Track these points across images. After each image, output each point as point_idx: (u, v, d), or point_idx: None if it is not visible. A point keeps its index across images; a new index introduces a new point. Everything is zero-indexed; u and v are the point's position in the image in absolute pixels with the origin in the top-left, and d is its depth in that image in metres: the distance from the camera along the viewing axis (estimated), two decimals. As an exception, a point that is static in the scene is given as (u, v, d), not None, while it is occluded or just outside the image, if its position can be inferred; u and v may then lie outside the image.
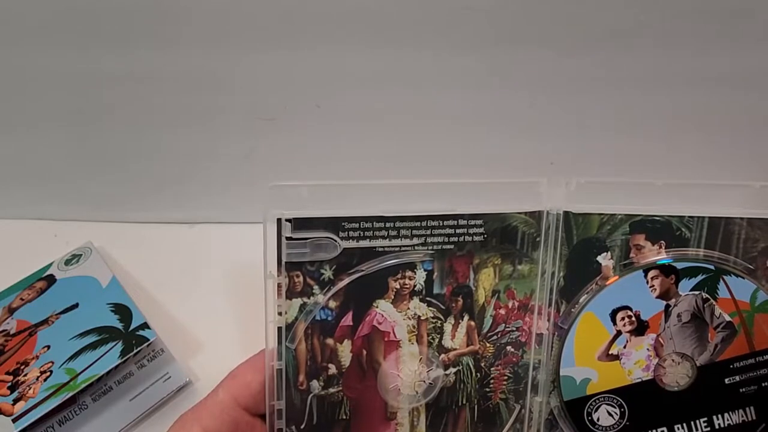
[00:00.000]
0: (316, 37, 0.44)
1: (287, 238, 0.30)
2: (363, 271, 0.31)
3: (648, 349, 0.33)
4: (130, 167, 0.54)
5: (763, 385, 0.33)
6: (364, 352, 0.32)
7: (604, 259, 0.33)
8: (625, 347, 0.33)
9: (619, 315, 0.33)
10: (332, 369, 0.32)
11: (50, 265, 0.52)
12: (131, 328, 0.45)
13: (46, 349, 0.44)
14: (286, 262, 0.30)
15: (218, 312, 0.50)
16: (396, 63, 0.45)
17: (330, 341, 0.32)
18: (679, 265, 0.33)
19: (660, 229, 0.33)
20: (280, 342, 0.31)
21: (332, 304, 0.32)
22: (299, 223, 0.30)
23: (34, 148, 0.53)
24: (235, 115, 0.49)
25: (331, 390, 0.32)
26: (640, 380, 0.34)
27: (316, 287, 0.31)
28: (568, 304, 0.33)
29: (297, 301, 0.31)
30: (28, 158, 0.54)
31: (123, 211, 0.57)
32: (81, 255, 0.52)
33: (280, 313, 0.31)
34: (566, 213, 0.32)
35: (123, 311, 0.46)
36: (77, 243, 0.54)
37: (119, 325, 0.45)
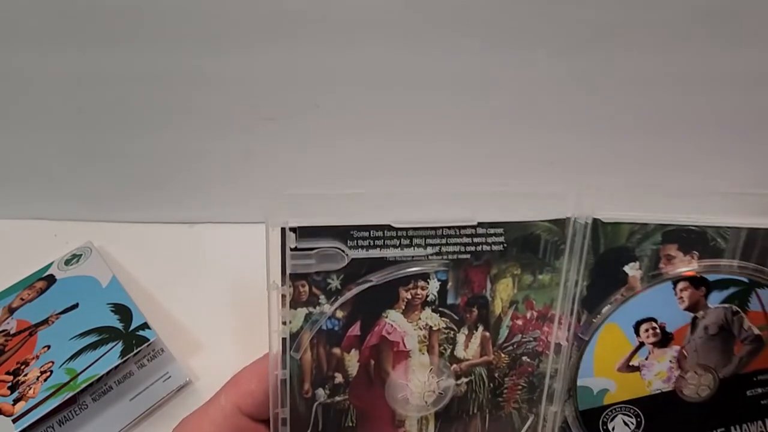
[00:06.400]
0: (316, 37, 0.44)
1: (292, 249, 0.28)
2: (372, 281, 0.30)
3: (671, 361, 0.33)
4: (130, 167, 0.54)
5: None
6: (372, 362, 0.31)
7: (632, 270, 0.32)
8: (646, 359, 0.32)
9: (643, 327, 0.32)
10: (339, 378, 0.31)
11: (50, 265, 0.52)
12: (131, 328, 0.45)
13: (46, 349, 0.44)
14: (290, 273, 0.29)
15: (218, 312, 0.50)
16: (396, 63, 0.45)
17: (337, 351, 0.31)
18: (711, 277, 0.31)
19: (694, 240, 0.31)
20: (284, 351, 0.30)
21: (339, 313, 0.30)
22: (305, 232, 0.28)
23: (34, 148, 0.53)
24: (234, 114, 0.49)
25: (338, 398, 0.31)
26: (659, 391, 0.33)
27: (322, 297, 0.30)
28: (590, 314, 0.32)
29: (302, 311, 0.30)
30: (28, 158, 0.54)
31: (123, 211, 0.57)
32: (81, 255, 0.52)
33: (284, 323, 0.30)
34: (595, 221, 0.31)
35: (123, 311, 0.46)
36: (77, 243, 0.54)
37: (119, 325, 0.45)
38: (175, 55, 0.46)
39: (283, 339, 0.30)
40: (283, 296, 0.29)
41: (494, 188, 0.29)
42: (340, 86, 0.47)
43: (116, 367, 0.43)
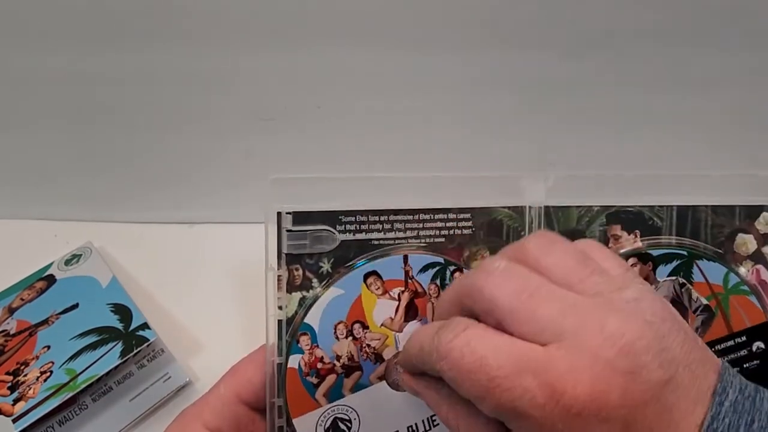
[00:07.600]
0: (316, 38, 0.44)
1: (288, 231, 0.31)
2: (360, 263, 0.32)
3: None
4: (130, 167, 0.54)
5: (744, 366, 0.34)
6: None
7: None
8: None
9: None
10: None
11: (50, 265, 0.52)
12: (131, 328, 0.45)
13: (46, 349, 0.44)
14: (286, 254, 0.31)
15: (218, 312, 0.50)
16: (396, 64, 0.45)
17: None
18: (655, 252, 0.34)
19: (634, 219, 0.34)
20: (280, 337, 0.32)
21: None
22: (299, 217, 0.31)
23: (34, 148, 0.53)
24: (234, 115, 0.49)
25: None
26: None
27: (315, 280, 0.32)
28: None
29: (297, 295, 0.32)
30: (28, 158, 0.54)
31: (123, 211, 0.57)
32: (81, 255, 0.52)
33: (280, 307, 0.32)
34: (547, 207, 0.34)
35: (123, 311, 0.46)
36: (77, 243, 0.54)
37: (119, 326, 0.45)
38: (175, 56, 0.46)
39: (279, 322, 0.31)
40: (279, 278, 0.31)
41: (457, 174, 0.32)
42: (339, 87, 0.47)
43: (116, 367, 0.43)
